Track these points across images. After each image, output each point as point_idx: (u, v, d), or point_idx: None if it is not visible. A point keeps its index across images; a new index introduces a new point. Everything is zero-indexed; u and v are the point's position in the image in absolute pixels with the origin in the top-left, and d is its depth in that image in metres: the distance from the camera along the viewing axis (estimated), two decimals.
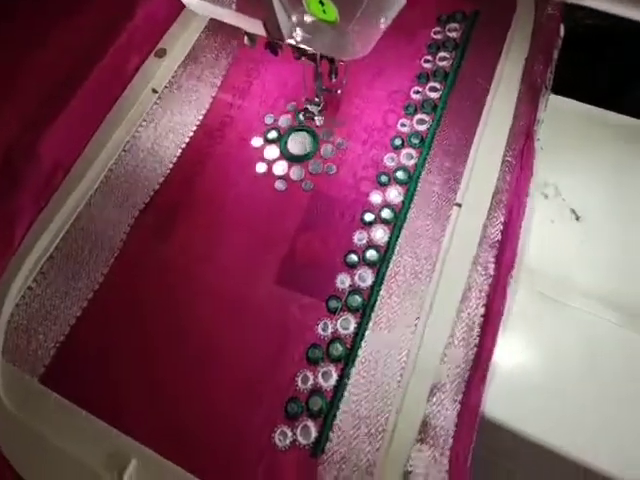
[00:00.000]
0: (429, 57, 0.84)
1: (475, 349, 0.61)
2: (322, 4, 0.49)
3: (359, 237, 0.71)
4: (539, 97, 0.75)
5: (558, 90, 0.80)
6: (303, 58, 0.67)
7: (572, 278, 0.66)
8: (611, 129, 0.75)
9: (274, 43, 0.64)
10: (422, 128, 0.78)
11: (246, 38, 0.65)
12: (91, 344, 0.68)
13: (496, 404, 0.60)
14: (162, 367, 0.66)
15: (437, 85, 0.81)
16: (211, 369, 0.65)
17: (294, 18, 0.55)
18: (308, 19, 0.55)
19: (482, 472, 0.58)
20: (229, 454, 0.60)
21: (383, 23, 0.52)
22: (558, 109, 0.78)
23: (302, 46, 0.59)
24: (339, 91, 0.79)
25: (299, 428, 0.60)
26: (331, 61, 0.69)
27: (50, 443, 0.62)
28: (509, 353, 0.64)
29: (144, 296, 0.71)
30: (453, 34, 0.85)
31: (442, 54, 0.83)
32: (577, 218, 0.70)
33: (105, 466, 0.59)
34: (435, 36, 0.86)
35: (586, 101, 0.79)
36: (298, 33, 0.57)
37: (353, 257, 0.70)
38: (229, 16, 0.58)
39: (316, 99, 0.79)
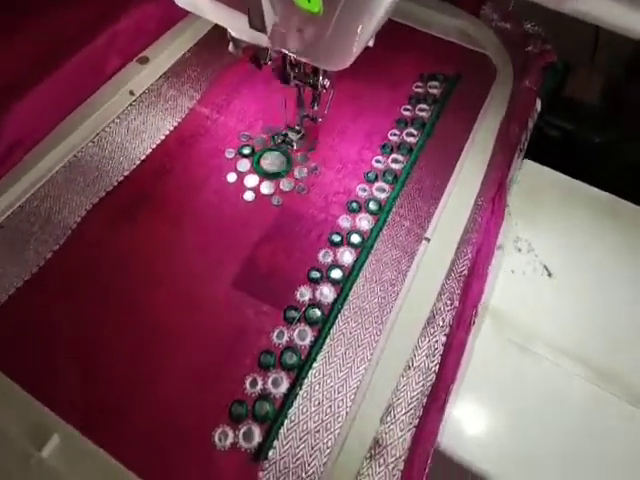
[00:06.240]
0: (409, 107, 0.86)
1: (434, 376, 0.58)
2: None
3: (324, 255, 0.69)
4: (514, 154, 0.77)
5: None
6: (291, 76, 0.67)
7: (539, 328, 0.65)
8: (588, 201, 0.77)
9: (258, 56, 0.64)
10: (397, 167, 0.78)
11: (231, 45, 0.63)
12: (29, 315, 0.63)
13: (452, 439, 0.56)
14: (104, 349, 0.60)
15: (414, 132, 0.82)
16: (154, 357, 0.60)
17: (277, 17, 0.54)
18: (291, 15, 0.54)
19: None
20: (162, 446, 0.54)
21: (360, 31, 0.51)
22: (536, 174, 0.79)
23: (283, 51, 0.57)
24: (320, 120, 0.78)
25: (242, 431, 0.54)
26: (314, 87, 0.69)
27: None
28: (470, 391, 0.60)
29: (98, 276, 0.66)
30: (434, 90, 0.88)
31: (422, 106, 0.86)
32: (549, 275, 0.70)
33: (27, 437, 0.53)
34: (416, 89, 0.89)
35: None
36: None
37: (316, 273, 0.67)
38: (211, 9, 0.57)
39: (296, 127, 0.79)
